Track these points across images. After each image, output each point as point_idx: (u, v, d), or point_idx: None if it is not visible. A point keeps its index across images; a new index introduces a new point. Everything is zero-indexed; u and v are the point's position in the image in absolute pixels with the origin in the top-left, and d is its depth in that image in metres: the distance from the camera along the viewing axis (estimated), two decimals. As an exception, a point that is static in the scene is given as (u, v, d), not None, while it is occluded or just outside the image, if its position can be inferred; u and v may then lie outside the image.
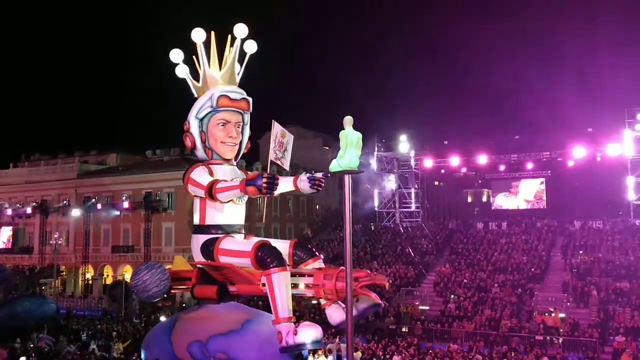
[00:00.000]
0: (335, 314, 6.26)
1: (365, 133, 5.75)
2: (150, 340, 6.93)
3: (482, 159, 39.21)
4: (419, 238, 37.58)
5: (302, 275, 6.17)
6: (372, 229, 40.84)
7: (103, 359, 19.15)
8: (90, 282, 42.33)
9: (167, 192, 40.44)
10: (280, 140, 6.26)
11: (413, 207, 43.09)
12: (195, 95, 6.83)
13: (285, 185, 6.20)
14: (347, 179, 5.12)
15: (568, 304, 25.88)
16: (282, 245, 6.37)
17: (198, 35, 6.51)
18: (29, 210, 43.68)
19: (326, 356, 17.49)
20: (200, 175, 6.34)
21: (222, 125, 6.60)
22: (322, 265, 6.38)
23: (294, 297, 5.91)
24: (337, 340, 19.75)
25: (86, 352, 20.50)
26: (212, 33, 6.66)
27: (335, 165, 5.24)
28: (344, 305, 6.19)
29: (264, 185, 5.58)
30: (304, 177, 6.20)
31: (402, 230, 38.61)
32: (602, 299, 25.47)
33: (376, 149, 42.37)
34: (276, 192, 5.86)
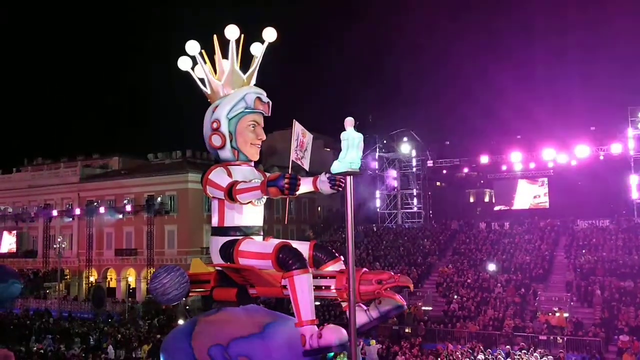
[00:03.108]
0: (357, 316, 6.18)
1: (366, 134, 5.73)
2: (169, 343, 6.89)
3: (484, 159, 39.26)
4: (421, 239, 37.58)
5: (323, 277, 6.11)
6: (375, 230, 40.85)
7: None
8: (94, 285, 42.45)
9: (170, 195, 40.55)
10: (301, 140, 6.18)
11: (415, 208, 43.17)
12: (208, 92, 6.76)
13: (305, 186, 6.18)
14: (349, 180, 5.10)
15: (572, 303, 25.83)
16: (302, 247, 6.31)
17: (232, 32, 6.47)
18: (32, 214, 43.84)
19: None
20: (219, 176, 6.27)
21: (253, 127, 6.57)
22: (343, 267, 6.31)
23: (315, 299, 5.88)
24: (361, 343, 19.75)
25: (97, 356, 20.60)
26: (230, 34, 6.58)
27: (336, 167, 5.21)
28: (365, 307, 6.14)
29: (286, 186, 5.53)
30: (323, 178, 6.15)
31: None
32: (606, 299, 25.40)
33: (378, 150, 42.46)
34: (297, 193, 5.83)
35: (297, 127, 6.02)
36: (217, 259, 6.33)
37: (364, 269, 6.01)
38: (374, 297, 5.84)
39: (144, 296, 38.28)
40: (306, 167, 6.22)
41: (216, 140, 6.40)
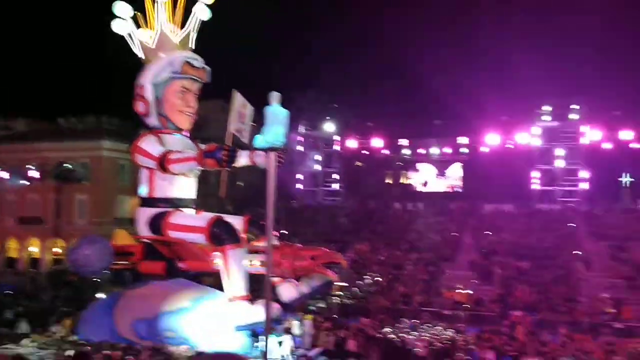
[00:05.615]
0: (286, 291, 6.22)
1: (291, 111, 5.73)
2: (88, 318, 6.57)
3: (403, 142, 40.74)
4: (339, 217, 38.47)
5: (257, 252, 6.07)
6: (294, 206, 41.23)
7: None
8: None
9: (82, 162, 38.55)
10: (242, 112, 6.03)
11: (335, 187, 44.06)
12: (142, 57, 6.41)
13: (242, 159, 6.07)
14: (271, 156, 5.11)
15: (474, 281, 27.66)
16: (236, 222, 6.22)
17: None
18: None
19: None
20: (150, 144, 6.01)
21: (182, 93, 6.26)
22: (277, 243, 6.29)
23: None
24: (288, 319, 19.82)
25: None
26: None
27: (259, 141, 5.19)
28: (296, 283, 6.19)
29: (224, 158, 5.41)
30: (260, 152, 6.07)
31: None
32: (504, 277, 27.41)
33: (301, 127, 42.70)
34: (235, 166, 5.72)
35: (238, 99, 5.86)
36: (144, 231, 6.11)
37: (298, 245, 6.09)
38: (307, 273, 5.92)
39: (48, 267, 36.42)
40: (246, 139, 6.12)
41: (139, 106, 6.15)
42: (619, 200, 36.84)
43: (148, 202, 6.25)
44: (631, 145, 35.91)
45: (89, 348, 12.21)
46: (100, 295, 15.60)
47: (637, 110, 36.19)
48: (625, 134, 35.49)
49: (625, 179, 38.02)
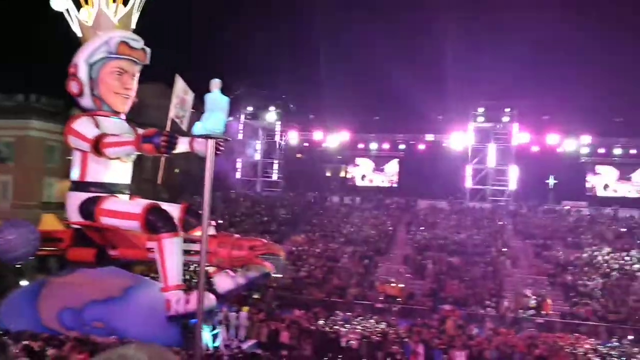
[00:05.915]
0: (223, 282, 6.08)
1: (233, 99, 5.63)
2: (8, 307, 6.13)
3: (344, 136, 41.14)
4: (277, 208, 38.37)
5: (193, 241, 5.88)
6: (233, 196, 40.76)
7: None
8: None
9: (6, 141, 36.32)
10: (183, 98, 5.82)
11: (274, 177, 43.91)
12: (79, 35, 6.09)
13: (181, 145, 5.90)
14: (210, 143, 4.96)
15: (407, 275, 28.38)
16: (173, 209, 6.00)
17: None
18: None
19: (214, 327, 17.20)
20: (84, 126, 5.68)
21: (118, 74, 5.95)
22: (214, 232, 6.13)
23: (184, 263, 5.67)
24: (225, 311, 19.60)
25: None
26: None
27: (199, 128, 5.03)
28: (232, 274, 6.06)
29: (164, 143, 5.19)
30: (200, 140, 5.89)
31: None
32: (436, 272, 28.30)
33: (243, 116, 42.18)
34: (174, 152, 5.53)
35: (180, 84, 5.70)
36: (75, 216, 5.83)
37: (236, 235, 5.99)
38: (245, 263, 5.85)
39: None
40: (185, 126, 5.96)
41: (73, 87, 5.87)
42: (544, 200, 38.89)
43: (80, 186, 5.93)
44: (558, 149, 38.02)
45: (7, 338, 11.52)
46: (23, 283, 14.77)
47: (564, 116, 38.33)
48: (553, 138, 37.48)
49: (551, 180, 40.28)
